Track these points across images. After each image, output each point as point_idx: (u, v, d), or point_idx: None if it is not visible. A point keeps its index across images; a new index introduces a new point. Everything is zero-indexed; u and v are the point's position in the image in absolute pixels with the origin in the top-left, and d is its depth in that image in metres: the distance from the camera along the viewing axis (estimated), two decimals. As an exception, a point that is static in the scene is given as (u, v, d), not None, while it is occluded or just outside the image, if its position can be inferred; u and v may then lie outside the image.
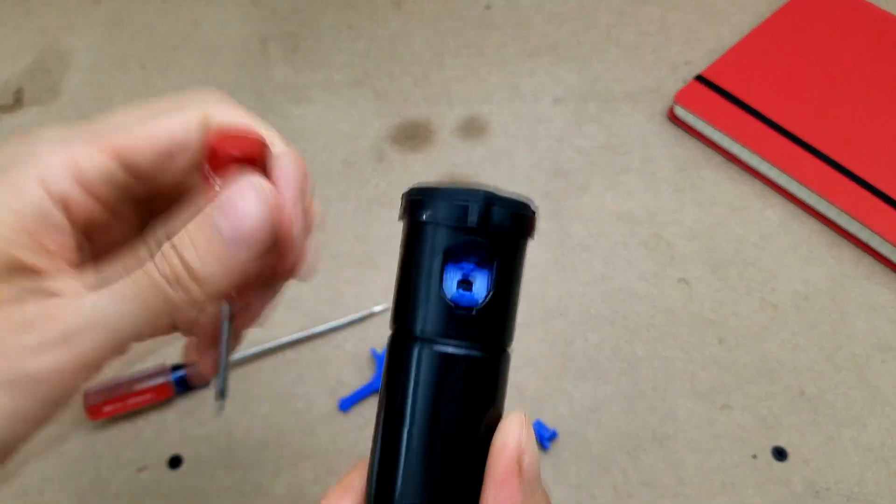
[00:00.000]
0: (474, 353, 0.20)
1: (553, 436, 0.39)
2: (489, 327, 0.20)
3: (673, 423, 0.40)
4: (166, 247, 0.21)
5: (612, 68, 0.54)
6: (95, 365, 0.21)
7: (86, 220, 0.22)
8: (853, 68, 0.51)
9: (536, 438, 0.39)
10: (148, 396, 0.40)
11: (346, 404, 0.41)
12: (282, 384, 0.42)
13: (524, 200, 0.21)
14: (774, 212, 0.47)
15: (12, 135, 0.23)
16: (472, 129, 0.52)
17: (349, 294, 0.45)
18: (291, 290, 0.45)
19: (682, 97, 0.50)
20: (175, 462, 0.39)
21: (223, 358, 0.26)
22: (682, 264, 0.45)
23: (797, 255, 0.45)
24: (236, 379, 0.42)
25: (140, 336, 0.21)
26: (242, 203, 0.21)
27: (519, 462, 0.19)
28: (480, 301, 0.20)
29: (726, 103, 0.49)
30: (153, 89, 0.55)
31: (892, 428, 0.39)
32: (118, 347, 0.21)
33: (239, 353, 0.42)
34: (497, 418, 0.20)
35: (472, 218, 0.19)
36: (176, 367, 0.41)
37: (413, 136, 0.52)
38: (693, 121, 0.50)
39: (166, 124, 0.23)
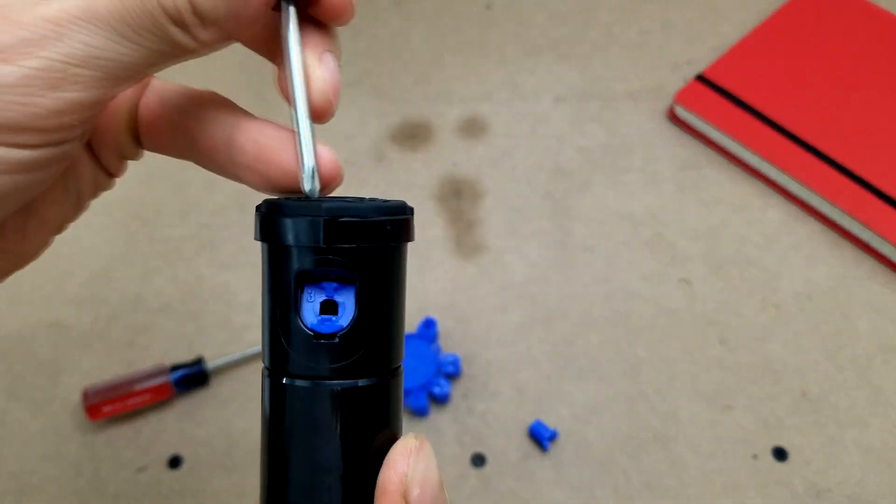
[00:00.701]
0: (345, 383, 0.17)
1: (554, 436, 0.39)
2: (360, 352, 0.17)
3: (674, 423, 0.40)
4: None
5: (613, 67, 0.54)
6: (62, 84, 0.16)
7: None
8: (855, 68, 0.50)
9: (537, 439, 0.39)
10: (147, 397, 0.40)
11: (346, 405, 0.41)
12: (282, 385, 0.42)
13: (392, 203, 0.18)
14: (776, 212, 0.47)
15: None
16: (473, 128, 0.52)
17: (349, 294, 0.45)
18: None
19: (683, 97, 0.50)
20: (175, 462, 0.39)
21: (294, 79, 0.20)
22: (684, 264, 0.45)
23: (799, 255, 0.45)
24: (235, 380, 0.42)
25: (128, 69, 0.17)
26: None
27: (405, 497, 0.17)
28: (345, 326, 0.17)
29: (727, 103, 0.49)
30: (152, 88, 0.55)
31: (893, 429, 0.39)
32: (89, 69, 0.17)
33: (239, 354, 0.42)
34: (389, 444, 0.18)
35: (318, 235, 0.17)
36: (175, 368, 0.41)
37: (413, 135, 0.52)
38: (694, 121, 0.50)
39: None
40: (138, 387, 0.40)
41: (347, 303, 0.18)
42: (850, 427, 0.39)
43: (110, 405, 0.39)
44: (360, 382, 0.18)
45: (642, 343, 0.42)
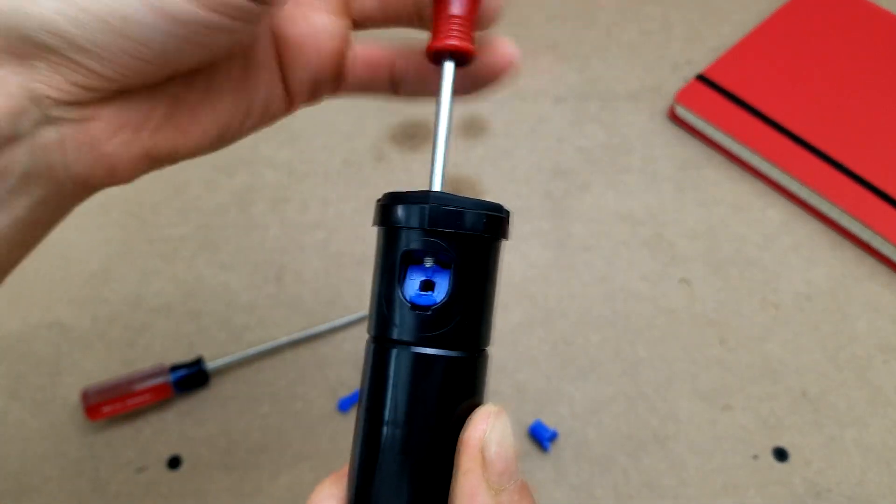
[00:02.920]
0: (436, 351, 0.20)
1: (554, 436, 0.39)
2: (448, 328, 0.20)
3: (674, 423, 0.40)
4: None
5: (613, 67, 0.54)
6: None
7: None
8: (855, 67, 0.50)
9: (537, 439, 0.39)
10: (147, 397, 0.40)
11: (346, 405, 0.41)
12: (281, 384, 0.42)
13: (490, 203, 0.21)
14: (776, 212, 0.47)
15: None
16: (473, 128, 0.52)
17: (349, 294, 0.45)
18: (292, 291, 0.45)
19: (683, 96, 0.50)
20: (174, 462, 0.39)
21: (441, 111, 0.25)
22: (684, 264, 0.45)
23: (799, 255, 0.45)
24: (236, 380, 0.42)
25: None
26: None
27: (483, 453, 0.19)
28: (438, 301, 0.20)
29: (727, 103, 0.49)
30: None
31: (893, 428, 0.39)
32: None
33: (239, 354, 0.42)
34: (473, 410, 0.20)
35: (424, 220, 0.20)
36: (175, 368, 0.41)
37: (413, 135, 0.52)
38: (694, 120, 0.50)
39: None
40: (138, 387, 0.40)
41: (443, 283, 0.20)
42: (850, 427, 0.39)
43: (110, 405, 0.39)
44: (450, 353, 0.20)
45: (642, 343, 0.42)
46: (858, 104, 0.49)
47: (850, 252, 0.45)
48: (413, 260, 0.21)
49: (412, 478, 0.20)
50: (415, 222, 0.20)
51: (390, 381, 0.20)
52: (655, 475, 0.38)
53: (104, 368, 0.42)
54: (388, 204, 0.22)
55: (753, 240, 0.46)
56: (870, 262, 0.45)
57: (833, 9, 0.53)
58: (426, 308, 0.20)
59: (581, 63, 0.55)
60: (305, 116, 0.53)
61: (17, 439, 0.40)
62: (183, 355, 0.42)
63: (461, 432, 0.20)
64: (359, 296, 0.44)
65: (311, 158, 0.51)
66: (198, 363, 0.41)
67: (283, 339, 0.42)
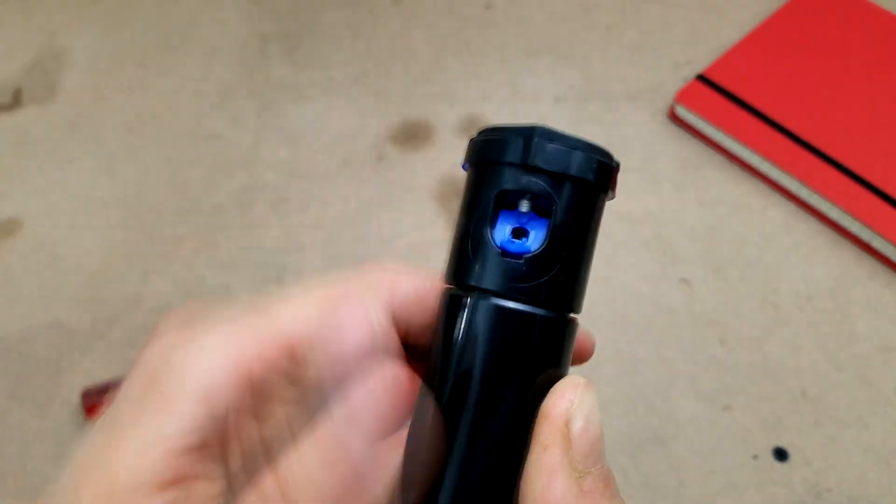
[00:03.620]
0: (523, 307, 0.17)
1: (554, 437, 0.39)
2: (541, 281, 0.17)
3: (674, 424, 0.40)
4: None
5: (613, 67, 0.54)
6: None
7: (249, 429, 0.18)
8: (855, 68, 0.50)
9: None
10: (147, 397, 0.40)
11: (346, 405, 0.40)
12: (282, 385, 0.42)
13: (600, 147, 0.18)
14: (776, 212, 0.47)
15: (169, 315, 0.19)
16: (473, 128, 0.52)
17: (349, 294, 0.44)
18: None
19: (683, 97, 0.50)
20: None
21: None
22: (684, 265, 0.45)
23: (799, 255, 0.45)
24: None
25: None
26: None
27: (568, 427, 0.17)
28: (533, 250, 0.18)
29: (728, 103, 0.49)
30: (151, 88, 0.55)
31: (893, 428, 0.39)
32: None
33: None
34: (555, 382, 0.18)
35: (529, 154, 0.17)
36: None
37: (413, 135, 0.52)
38: (694, 120, 0.50)
39: (346, 314, 0.19)
40: (138, 387, 0.40)
41: (539, 233, 0.18)
42: (850, 427, 0.39)
43: (110, 405, 0.39)
44: (538, 311, 0.18)
45: (642, 343, 0.42)
46: (859, 104, 0.49)
47: (850, 252, 0.45)
48: (506, 204, 0.18)
49: (484, 450, 0.17)
50: (515, 157, 0.17)
51: (466, 335, 0.17)
52: (655, 475, 0.38)
53: (105, 368, 0.42)
54: (486, 137, 0.18)
55: (753, 240, 0.46)
56: (870, 262, 0.45)
57: (833, 9, 0.53)
58: (518, 256, 0.17)
59: (581, 63, 0.55)
60: (305, 117, 0.53)
61: (18, 440, 0.40)
62: (183, 355, 0.42)
63: (545, 400, 0.17)
64: (359, 296, 0.44)
65: (312, 158, 0.51)
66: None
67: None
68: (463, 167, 0.19)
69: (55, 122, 0.53)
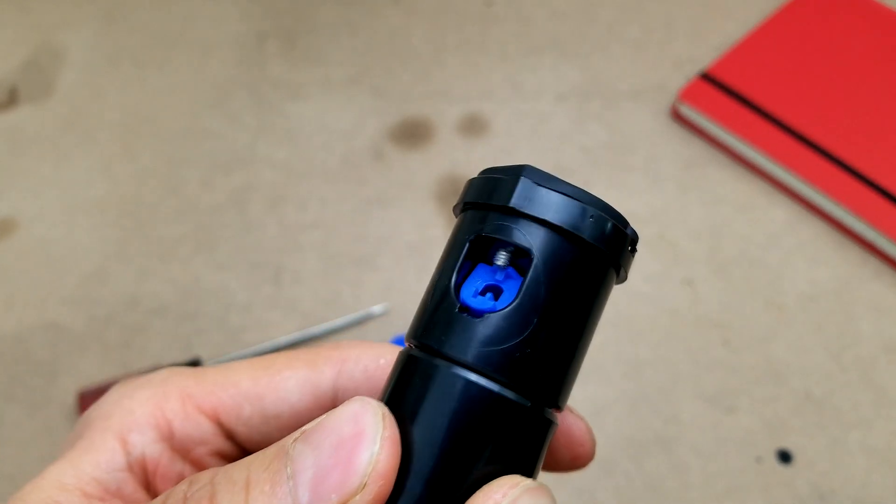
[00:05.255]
0: (463, 373, 0.14)
1: (555, 439, 0.39)
2: (500, 347, 0.14)
3: (677, 425, 0.39)
4: (192, 486, 0.15)
5: (616, 65, 0.54)
6: None
7: (173, 477, 0.19)
8: (860, 66, 0.50)
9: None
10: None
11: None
12: (280, 386, 0.41)
13: (609, 206, 0.15)
14: (780, 211, 0.47)
15: (121, 382, 0.21)
16: (473, 127, 0.51)
17: (347, 295, 0.44)
18: (290, 291, 0.45)
19: (686, 95, 0.49)
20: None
21: None
22: (687, 265, 0.45)
23: (803, 255, 0.45)
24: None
25: None
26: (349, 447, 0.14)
27: None
28: (498, 308, 0.14)
29: (731, 101, 0.49)
30: (148, 86, 0.54)
31: (898, 431, 0.39)
32: None
33: (236, 354, 0.41)
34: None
35: (511, 195, 0.14)
36: (172, 370, 0.40)
37: (412, 134, 0.51)
38: (697, 119, 0.49)
39: (281, 384, 0.19)
40: (135, 389, 0.39)
41: (513, 291, 0.15)
42: (855, 428, 0.39)
43: (106, 407, 0.39)
44: (504, 392, 0.14)
45: (644, 344, 0.42)
46: (863, 103, 0.48)
47: (854, 252, 0.45)
48: (481, 253, 0.15)
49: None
50: (498, 199, 0.14)
51: (399, 397, 0.15)
52: (658, 478, 0.38)
53: (100, 369, 0.42)
54: (477, 178, 0.16)
55: (757, 240, 0.46)
56: (874, 262, 0.44)
57: (838, 7, 0.53)
58: (478, 314, 0.14)
59: (583, 61, 0.54)
60: (303, 115, 0.53)
61: (13, 441, 0.40)
62: (180, 356, 0.42)
63: (471, 498, 0.14)
64: (357, 296, 0.44)
65: (310, 157, 0.50)
66: (195, 364, 0.40)
67: (281, 339, 0.42)
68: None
69: (51, 120, 0.53)
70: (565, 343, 0.15)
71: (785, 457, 0.38)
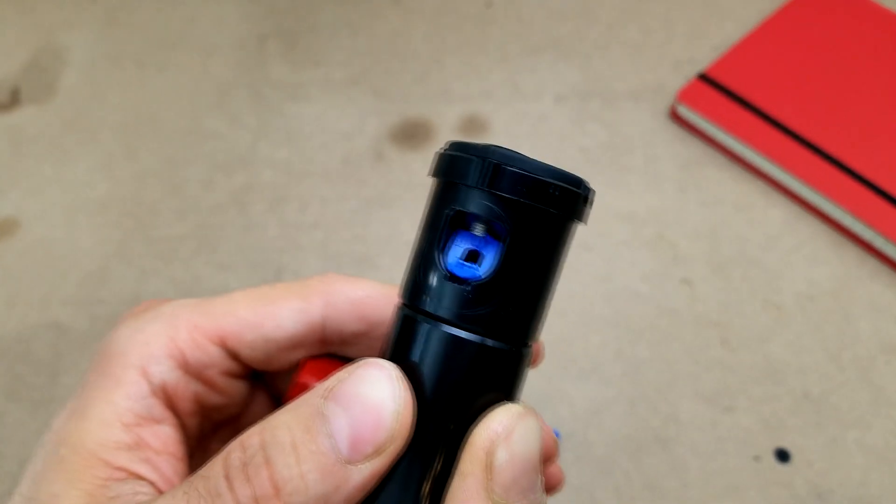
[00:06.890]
0: (462, 334, 0.17)
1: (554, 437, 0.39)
2: (488, 310, 0.17)
3: (675, 425, 0.39)
4: (246, 452, 0.16)
5: (615, 66, 0.54)
6: None
7: (195, 404, 0.22)
8: (858, 67, 0.50)
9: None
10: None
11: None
12: (280, 385, 0.41)
13: (566, 173, 0.18)
14: (778, 212, 0.47)
15: (127, 312, 0.23)
16: (473, 127, 0.51)
17: (348, 294, 0.44)
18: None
19: (685, 95, 0.49)
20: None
21: None
22: (685, 265, 0.45)
23: (801, 255, 0.45)
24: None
25: None
26: (370, 394, 0.16)
27: (490, 455, 0.16)
28: (481, 277, 0.17)
29: (730, 102, 0.49)
30: (149, 87, 0.54)
31: (896, 430, 0.39)
32: None
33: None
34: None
35: (485, 177, 0.17)
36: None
37: (412, 134, 0.51)
38: (696, 119, 0.49)
39: (277, 313, 0.22)
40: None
41: (491, 259, 0.17)
42: (853, 428, 0.39)
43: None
44: (484, 340, 0.17)
45: (643, 343, 0.42)
46: (862, 103, 0.48)
47: (852, 252, 0.45)
48: (463, 224, 0.18)
49: (417, 477, 0.17)
50: (470, 179, 0.17)
51: (408, 357, 0.17)
52: (657, 477, 0.38)
53: (102, 369, 0.42)
54: (446, 152, 0.18)
55: (755, 240, 0.46)
56: (872, 262, 0.45)
57: (836, 7, 0.53)
58: (465, 282, 0.17)
59: (582, 61, 0.54)
60: (304, 116, 0.53)
61: (16, 440, 0.40)
62: (181, 356, 0.42)
63: (474, 428, 0.17)
64: (358, 296, 0.44)
65: (310, 158, 0.50)
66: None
67: (282, 339, 0.42)
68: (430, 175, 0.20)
69: (53, 121, 0.53)
70: (537, 295, 0.18)
71: (783, 456, 0.38)
